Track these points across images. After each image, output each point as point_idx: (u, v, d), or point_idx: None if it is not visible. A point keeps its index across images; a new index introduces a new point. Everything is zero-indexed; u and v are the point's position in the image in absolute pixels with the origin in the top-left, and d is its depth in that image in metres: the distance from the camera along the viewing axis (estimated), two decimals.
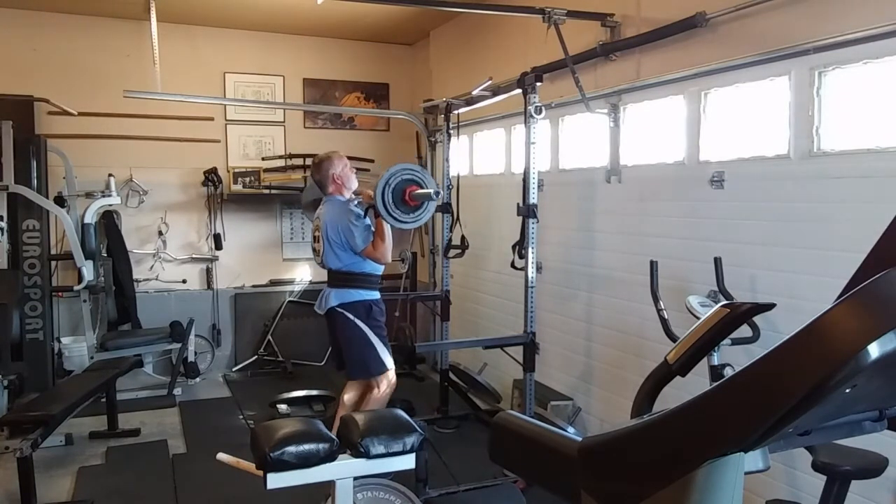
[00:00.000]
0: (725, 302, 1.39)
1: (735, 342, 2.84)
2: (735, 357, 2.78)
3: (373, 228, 3.99)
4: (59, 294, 5.85)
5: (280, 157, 6.76)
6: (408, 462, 2.40)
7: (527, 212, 4.01)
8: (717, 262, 3.27)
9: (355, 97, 7.18)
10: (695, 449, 1.00)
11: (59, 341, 5.75)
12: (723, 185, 3.50)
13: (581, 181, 4.63)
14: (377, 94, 7.26)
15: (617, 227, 4.30)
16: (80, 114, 5.82)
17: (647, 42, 3.90)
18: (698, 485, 0.97)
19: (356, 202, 4.10)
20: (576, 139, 4.80)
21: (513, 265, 4.22)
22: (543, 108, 3.97)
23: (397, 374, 4.18)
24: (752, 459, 1.04)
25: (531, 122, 3.96)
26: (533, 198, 3.99)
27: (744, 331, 2.91)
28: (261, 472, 2.23)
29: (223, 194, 6.56)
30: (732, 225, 3.46)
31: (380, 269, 4.10)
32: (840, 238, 2.90)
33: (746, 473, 1.01)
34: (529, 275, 4.05)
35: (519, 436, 1.39)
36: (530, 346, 4.10)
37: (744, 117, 3.49)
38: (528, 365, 4.11)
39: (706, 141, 3.66)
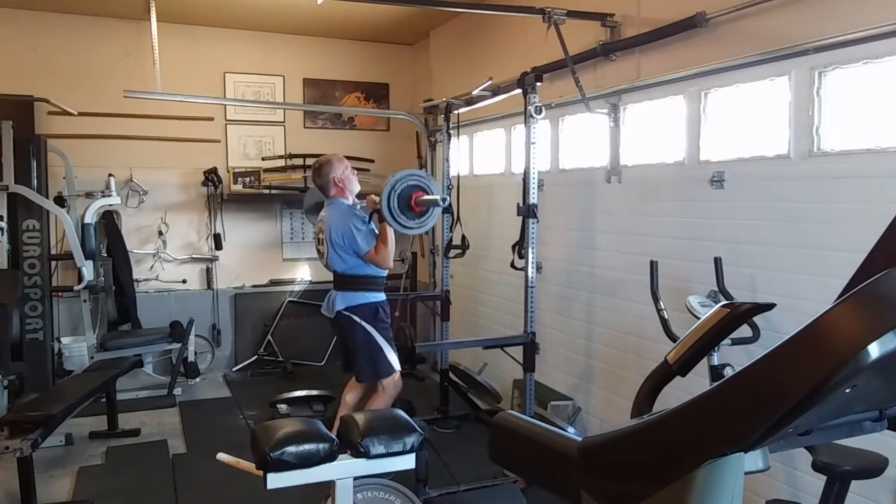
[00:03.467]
0: (725, 302, 1.39)
1: (735, 342, 2.84)
2: (735, 357, 2.78)
3: (376, 232, 4.00)
4: (59, 294, 5.85)
5: (280, 157, 6.76)
6: (408, 462, 2.39)
7: (527, 212, 4.01)
8: (717, 262, 3.27)
9: (355, 97, 7.18)
10: (695, 449, 1.00)
11: (59, 341, 5.74)
12: (723, 185, 3.50)
13: (581, 181, 4.62)
14: (377, 94, 7.26)
15: (617, 227, 4.30)
16: (80, 114, 5.82)
17: (647, 42, 3.90)
18: (698, 485, 0.97)
19: (360, 206, 4.11)
20: (576, 139, 4.79)
21: (513, 265, 4.22)
22: (543, 108, 3.97)
23: None
24: (752, 459, 1.04)
25: (531, 122, 3.96)
26: (533, 198, 3.99)
27: (744, 331, 2.91)
28: (261, 472, 2.23)
29: (223, 194, 6.56)
30: (732, 225, 3.45)
31: (384, 272, 4.11)
32: (840, 238, 2.90)
33: (746, 473, 1.01)
34: (529, 275, 4.05)
35: (519, 436, 1.39)
36: (530, 346, 4.10)
37: (744, 117, 3.49)
38: (528, 365, 4.11)
39: (706, 141, 3.66)
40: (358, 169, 6.92)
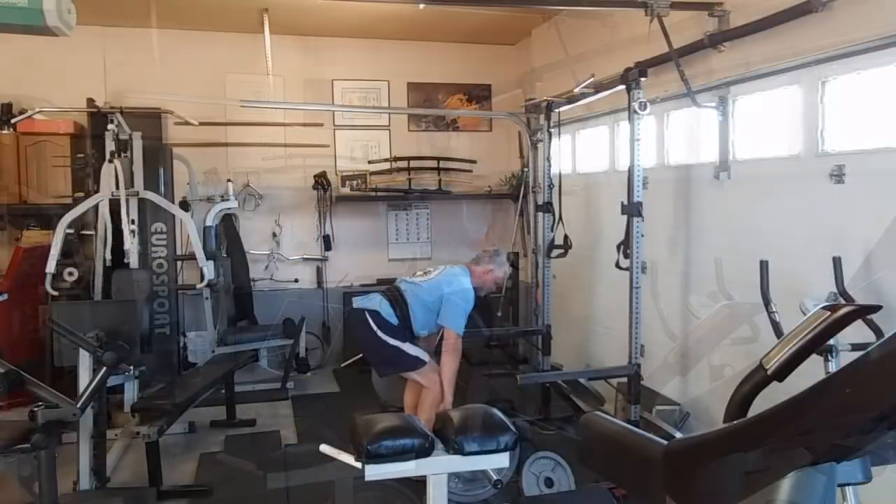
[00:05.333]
0: (826, 304, 1.30)
1: (855, 348, 2.64)
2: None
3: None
4: (185, 292, 6.26)
5: (385, 160, 6.93)
6: (501, 460, 2.40)
7: (631, 210, 3.91)
8: (836, 261, 3.05)
9: (458, 99, 7.25)
10: (783, 456, 0.95)
11: (185, 335, 6.14)
12: (843, 179, 3.26)
13: (687, 178, 4.45)
14: (480, 94, 7.29)
15: (725, 224, 4.10)
16: (201, 124, 6.21)
17: (758, 31, 3.70)
18: (785, 495, 0.92)
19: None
20: (682, 134, 4.62)
21: (617, 265, 4.12)
22: (648, 103, 3.86)
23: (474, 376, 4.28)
24: (850, 470, 0.97)
25: (635, 119, 3.86)
26: (638, 195, 3.88)
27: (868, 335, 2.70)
28: (359, 464, 2.31)
29: (332, 197, 6.80)
30: (854, 222, 3.21)
31: None
32: None
33: (842, 485, 0.95)
34: (634, 276, 3.94)
35: (605, 438, 1.36)
36: (635, 378, 3.99)
37: (867, 106, 3.24)
38: (634, 398, 4.01)
39: (824, 132, 3.43)
40: (460, 170, 7.02)
